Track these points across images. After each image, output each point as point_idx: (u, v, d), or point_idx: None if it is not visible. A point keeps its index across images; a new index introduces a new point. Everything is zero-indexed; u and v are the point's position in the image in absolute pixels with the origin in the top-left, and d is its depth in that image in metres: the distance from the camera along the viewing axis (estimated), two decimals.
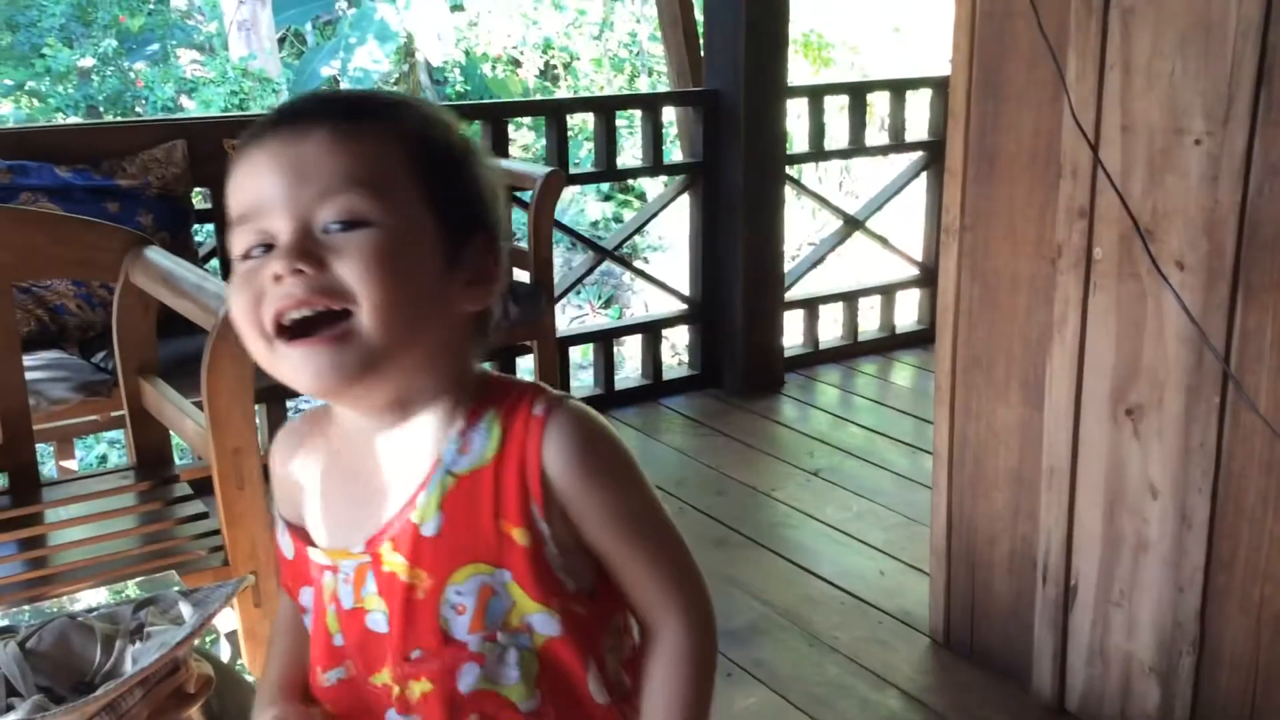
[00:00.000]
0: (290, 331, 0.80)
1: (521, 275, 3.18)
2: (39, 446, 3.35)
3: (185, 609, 1.07)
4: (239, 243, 0.82)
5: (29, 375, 1.99)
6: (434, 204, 0.82)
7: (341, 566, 0.89)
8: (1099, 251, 1.87)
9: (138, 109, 10.05)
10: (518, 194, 3.36)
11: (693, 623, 0.90)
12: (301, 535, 0.94)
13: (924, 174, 4.20)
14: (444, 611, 0.85)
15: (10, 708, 0.96)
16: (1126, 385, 1.86)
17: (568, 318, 8.16)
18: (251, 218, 0.81)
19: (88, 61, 10.19)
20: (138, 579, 1.38)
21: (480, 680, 0.85)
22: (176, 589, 1.16)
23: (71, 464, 2.93)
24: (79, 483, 1.99)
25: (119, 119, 8.47)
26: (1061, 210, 1.91)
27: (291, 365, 0.81)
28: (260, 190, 0.80)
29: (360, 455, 0.89)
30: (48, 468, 2.86)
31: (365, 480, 0.89)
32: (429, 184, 0.82)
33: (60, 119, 9.51)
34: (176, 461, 2.06)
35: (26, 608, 1.65)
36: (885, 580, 2.56)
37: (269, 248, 0.80)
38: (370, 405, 0.86)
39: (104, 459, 6.51)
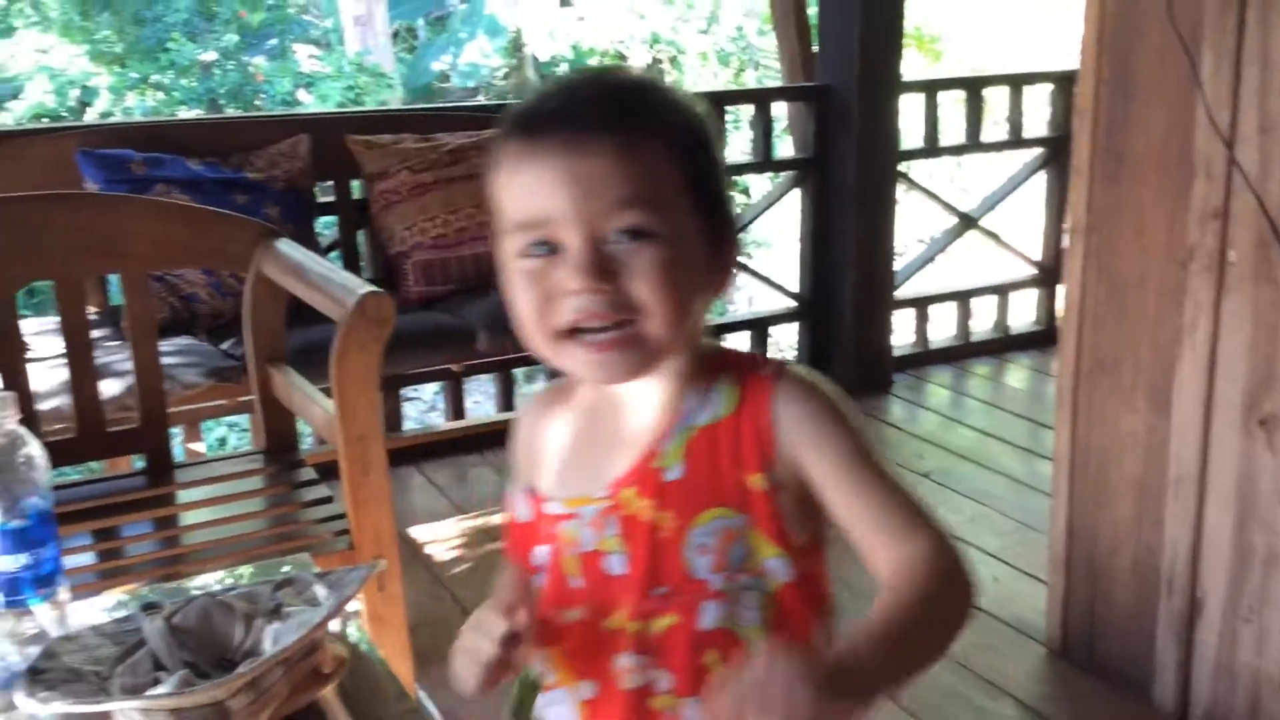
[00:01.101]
0: (577, 331, 0.86)
1: None
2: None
3: (320, 591, 1.10)
4: (517, 241, 0.87)
5: (163, 361, 2.06)
6: (699, 209, 0.88)
7: (582, 513, 0.94)
8: (1233, 255, 1.81)
9: (257, 103, 10.34)
10: None
11: (943, 542, 0.87)
12: (539, 495, 0.99)
13: (1043, 171, 4.11)
14: (687, 552, 0.90)
15: (157, 681, 1.00)
16: (1260, 394, 1.80)
17: None
18: (539, 226, 0.85)
19: (210, 56, 10.51)
20: (269, 560, 1.42)
21: (721, 618, 0.89)
22: (312, 571, 1.20)
23: (199, 446, 3.04)
24: (209, 465, 2.06)
25: (246, 114, 8.73)
26: (1194, 211, 1.85)
27: (580, 363, 0.88)
28: (547, 202, 0.84)
29: (604, 416, 0.96)
30: (177, 449, 2.97)
31: (607, 437, 0.95)
32: (695, 192, 0.88)
33: (183, 112, 9.83)
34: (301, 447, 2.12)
35: (160, 586, 1.71)
36: (999, 587, 2.52)
37: (549, 247, 0.85)
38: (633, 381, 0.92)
39: (224, 441, 6.72)
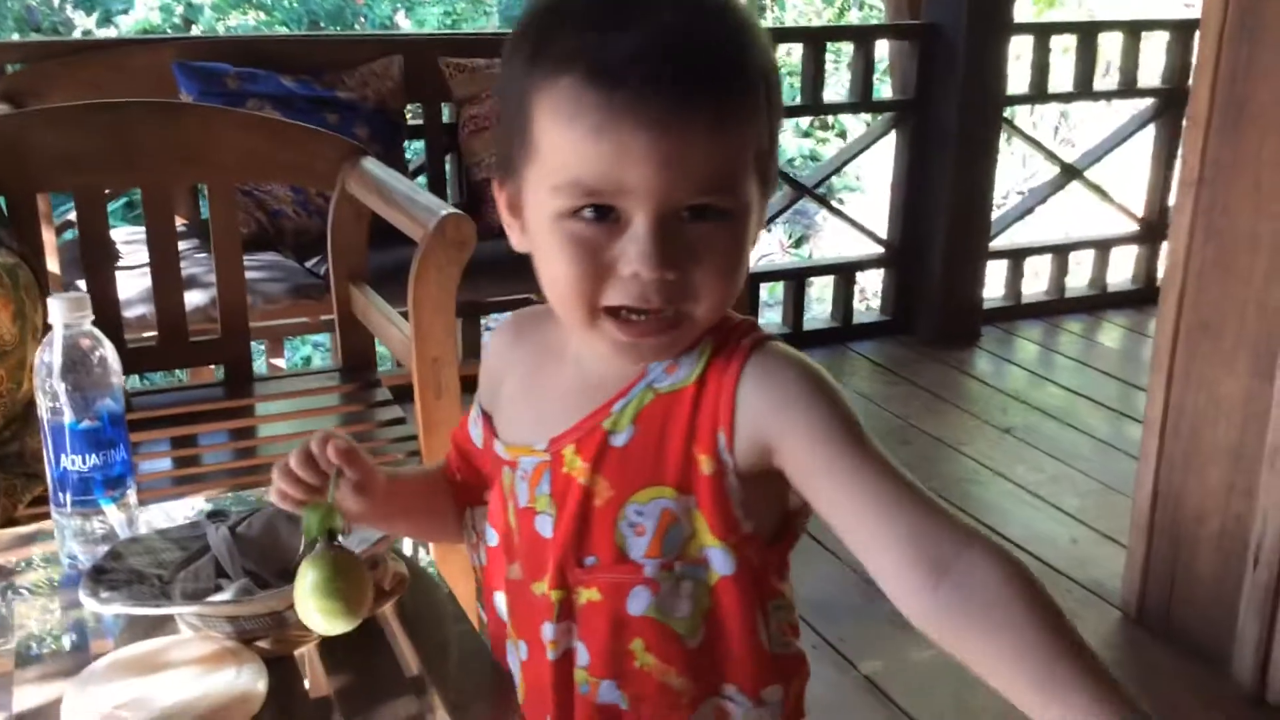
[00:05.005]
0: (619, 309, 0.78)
1: None
2: (252, 344, 3.54)
3: None
4: (566, 199, 0.76)
5: (247, 275, 2.07)
6: (761, 175, 0.80)
7: (521, 463, 0.89)
8: None
9: (356, 25, 10.38)
10: None
11: (992, 547, 0.74)
12: (492, 427, 0.94)
13: (1154, 124, 3.94)
14: (621, 528, 0.83)
15: (219, 588, 1.00)
16: None
17: (755, 254, 8.08)
18: (606, 194, 0.75)
19: None
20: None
21: (651, 607, 0.83)
22: None
23: (280, 362, 3.08)
24: (288, 380, 2.08)
25: (343, 32, 8.77)
26: None
27: (611, 344, 0.80)
28: (624, 174, 0.74)
29: (570, 359, 0.88)
30: (259, 364, 3.02)
31: (565, 383, 0.88)
32: (761, 159, 0.80)
33: (284, 33, 9.90)
34: (379, 367, 2.13)
35: (231, 494, 1.74)
36: (1076, 548, 2.45)
37: (602, 211, 0.76)
38: None
39: (309, 360, 6.84)
